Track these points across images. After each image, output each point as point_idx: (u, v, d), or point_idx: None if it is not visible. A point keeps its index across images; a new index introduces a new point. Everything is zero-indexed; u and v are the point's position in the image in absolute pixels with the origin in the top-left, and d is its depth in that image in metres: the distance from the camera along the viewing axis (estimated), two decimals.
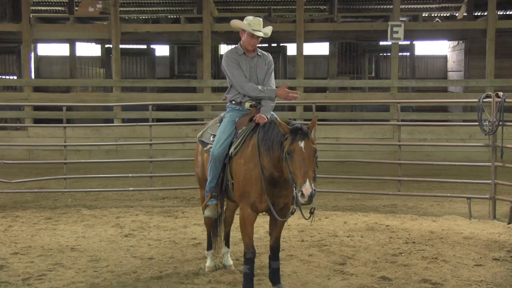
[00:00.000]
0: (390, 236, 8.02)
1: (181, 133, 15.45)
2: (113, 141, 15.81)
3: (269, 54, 6.39)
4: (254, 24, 6.07)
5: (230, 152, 5.89)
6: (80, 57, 22.55)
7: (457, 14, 22.97)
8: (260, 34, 6.08)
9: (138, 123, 12.70)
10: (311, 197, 5.05)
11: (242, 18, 6.24)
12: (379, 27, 17.73)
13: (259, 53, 6.25)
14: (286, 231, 7.95)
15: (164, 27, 20.00)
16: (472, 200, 9.51)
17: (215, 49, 21.53)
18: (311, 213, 5.48)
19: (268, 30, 6.18)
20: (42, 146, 15.54)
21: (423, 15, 22.58)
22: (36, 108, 17.58)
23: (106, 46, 21.89)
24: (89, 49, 23.64)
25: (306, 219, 5.46)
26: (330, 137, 15.27)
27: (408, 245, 7.57)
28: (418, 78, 22.27)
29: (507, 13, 22.53)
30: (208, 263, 6.66)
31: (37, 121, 17.40)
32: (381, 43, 21.94)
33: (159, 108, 18.11)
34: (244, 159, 5.73)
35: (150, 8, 25.47)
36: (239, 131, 5.98)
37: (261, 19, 6.16)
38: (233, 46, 6.41)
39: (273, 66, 6.34)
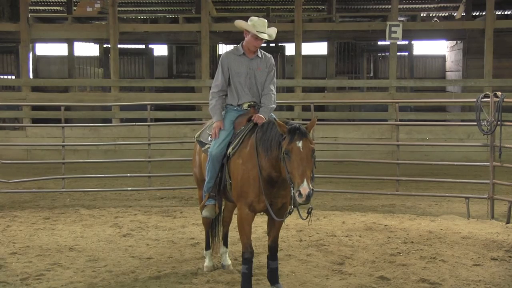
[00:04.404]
0: (389, 236, 8.02)
1: (179, 133, 15.43)
2: (111, 141, 15.80)
3: (271, 56, 6.30)
4: (258, 26, 6.01)
5: (228, 152, 5.89)
6: (78, 57, 22.50)
7: (455, 14, 22.99)
8: (265, 36, 6.02)
9: (137, 123, 12.70)
10: (308, 196, 5.05)
11: (240, 18, 6.23)
12: (378, 27, 17.74)
13: (259, 55, 6.19)
14: (284, 231, 7.95)
15: (162, 27, 20.00)
16: (470, 200, 9.52)
17: (214, 49, 21.51)
18: (309, 213, 5.49)
19: (273, 31, 6.12)
20: (40, 146, 15.52)
21: (421, 15, 22.61)
22: (34, 108, 17.56)
23: (104, 46, 21.86)
24: (87, 49, 23.60)
25: (304, 219, 5.47)
26: (328, 137, 15.28)
27: (407, 245, 7.57)
28: (417, 78, 22.26)
29: (505, 13, 22.56)
30: (207, 263, 6.66)
31: (35, 121, 17.38)
32: (380, 43, 21.92)
33: (158, 108, 18.12)
34: (242, 159, 5.73)
35: (148, 8, 25.46)
36: (237, 131, 5.98)
37: (266, 21, 6.12)
38: (232, 46, 6.41)
39: (274, 69, 6.26)
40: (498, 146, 9.14)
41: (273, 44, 21.31)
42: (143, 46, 22.93)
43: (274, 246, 5.92)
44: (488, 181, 9.42)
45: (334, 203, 10.62)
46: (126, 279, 6.30)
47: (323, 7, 24.00)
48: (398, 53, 19.02)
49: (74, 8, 21.38)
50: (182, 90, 19.08)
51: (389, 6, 19.23)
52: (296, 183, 5.12)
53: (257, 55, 6.19)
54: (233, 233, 7.21)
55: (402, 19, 20.21)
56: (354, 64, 22.23)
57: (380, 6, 24.04)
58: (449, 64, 23.57)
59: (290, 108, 17.92)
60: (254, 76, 6.14)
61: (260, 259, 6.72)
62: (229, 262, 6.71)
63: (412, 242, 7.71)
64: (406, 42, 21.58)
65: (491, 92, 9.44)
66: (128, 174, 11.68)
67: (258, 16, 6.28)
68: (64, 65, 22.32)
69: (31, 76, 19.20)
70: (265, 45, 6.25)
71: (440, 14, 24.89)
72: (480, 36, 17.81)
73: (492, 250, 7.31)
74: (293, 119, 12.86)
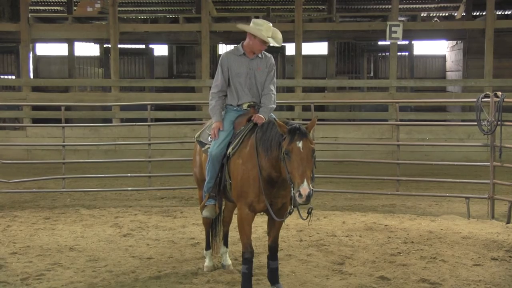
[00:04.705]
0: (389, 236, 8.02)
1: (180, 133, 15.43)
2: (111, 141, 15.81)
3: (271, 56, 6.28)
4: (265, 30, 5.99)
5: (228, 152, 5.89)
6: (79, 57, 22.52)
7: (455, 14, 23.00)
8: (274, 43, 6.03)
9: (137, 123, 12.70)
10: (308, 197, 5.05)
11: (240, 18, 6.22)
12: (378, 27, 17.73)
13: (259, 55, 6.17)
14: (284, 231, 7.95)
15: (162, 26, 19.99)
16: (471, 200, 9.52)
17: (214, 49, 21.51)
18: (309, 213, 5.49)
19: (280, 38, 6.09)
20: (41, 146, 15.53)
21: (422, 14, 22.60)
22: (35, 108, 17.57)
23: (105, 46, 21.88)
24: (87, 49, 23.63)
25: (304, 219, 5.47)
26: (328, 137, 15.27)
27: (407, 245, 7.57)
28: (417, 78, 22.28)
29: (506, 13, 22.56)
30: (207, 263, 6.66)
31: (35, 121, 17.39)
32: (380, 42, 21.94)
33: (158, 108, 18.13)
34: (242, 159, 5.73)
35: (149, 8, 25.47)
36: (237, 131, 5.98)
37: (270, 24, 6.09)
38: (232, 46, 6.39)
39: (274, 68, 6.25)
40: (498, 146, 9.13)
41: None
42: (143, 46, 22.95)
43: (274, 246, 5.92)
44: (488, 181, 9.42)
45: (334, 203, 10.62)
46: (127, 279, 6.30)
47: (323, 7, 24.00)
48: (398, 53, 19.03)
49: (74, 8, 21.38)
50: (182, 90, 19.09)
51: (389, 6, 19.22)
52: (296, 183, 5.12)
53: (257, 55, 6.19)
54: (233, 233, 7.21)
55: (402, 19, 20.22)
56: (354, 64, 22.24)
57: (380, 6, 24.04)
58: (449, 64, 23.57)
59: (291, 108, 17.93)
60: (254, 76, 6.14)
61: (260, 259, 6.72)
62: (229, 262, 6.71)
63: (412, 242, 7.71)
64: (407, 42, 21.61)
65: (491, 92, 9.44)
66: (129, 174, 11.68)
67: (258, 16, 6.27)
68: (65, 65, 22.32)
69: (31, 76, 19.21)
70: None
71: (440, 14, 24.89)
72: (480, 36, 17.81)
73: (492, 250, 7.31)
74: (293, 119, 12.86)
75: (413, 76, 22.44)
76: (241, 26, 6.22)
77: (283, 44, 21.42)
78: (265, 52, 6.26)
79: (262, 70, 6.15)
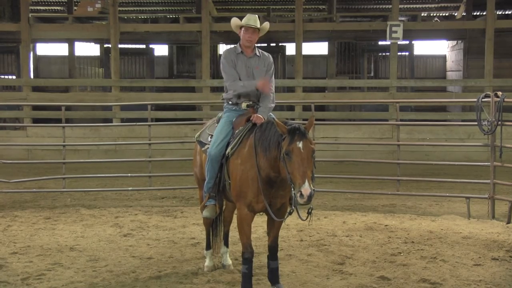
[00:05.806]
0: (389, 236, 8.02)
1: (180, 133, 15.44)
2: (112, 141, 15.81)
3: (270, 55, 6.31)
4: (248, 19, 6.09)
5: (227, 153, 5.89)
6: (79, 57, 22.52)
7: (456, 14, 22.99)
8: (252, 23, 6.05)
9: (137, 123, 12.70)
10: (310, 197, 5.05)
11: (241, 18, 6.25)
12: (378, 27, 17.73)
13: (257, 54, 6.20)
14: (285, 231, 7.96)
15: (163, 26, 20.01)
16: (471, 199, 9.52)
17: (214, 49, 21.51)
18: (309, 213, 5.49)
19: (265, 24, 6.17)
20: (41, 146, 15.54)
21: (422, 14, 22.60)
22: (35, 107, 17.57)
23: (105, 45, 21.87)
24: (88, 49, 23.63)
25: (303, 220, 5.47)
26: (329, 137, 15.27)
27: (407, 245, 7.57)
28: (417, 77, 22.27)
29: (506, 12, 22.55)
30: (207, 262, 6.66)
31: (36, 120, 17.39)
32: (380, 42, 21.92)
33: (158, 108, 18.12)
34: (240, 159, 5.73)
35: (149, 8, 25.47)
36: (236, 132, 5.98)
37: (257, 16, 6.17)
38: (232, 46, 6.40)
39: (273, 67, 6.28)
40: (499, 146, 9.14)
41: (274, 44, 21.32)
42: (143, 46, 22.94)
43: (274, 246, 5.92)
44: (489, 181, 9.42)
45: (335, 203, 10.62)
46: (127, 279, 6.30)
47: (324, 7, 23.99)
48: (399, 53, 19.01)
49: (75, 8, 21.39)
50: (182, 90, 19.08)
51: (390, 6, 19.22)
52: (297, 183, 5.11)
53: (255, 53, 6.21)
54: (234, 233, 7.20)
55: (402, 19, 20.23)
56: (354, 64, 22.21)
57: (380, 6, 24.03)
58: (449, 64, 23.56)
59: (291, 108, 17.93)
60: (253, 75, 6.16)
61: (261, 259, 6.72)
62: (230, 262, 6.72)
63: (413, 242, 7.72)
64: (407, 42, 21.58)
65: (491, 92, 9.44)
66: (129, 174, 11.68)
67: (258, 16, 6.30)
68: (65, 65, 22.32)
69: (31, 76, 19.23)
70: (265, 45, 6.26)
71: (440, 14, 24.88)
72: (480, 36, 17.81)
73: (492, 250, 7.31)
74: (293, 119, 12.86)
75: (414, 76, 22.42)
76: (232, 21, 6.27)
77: (284, 44, 21.53)
78: (263, 51, 6.28)
79: (260, 69, 6.18)
